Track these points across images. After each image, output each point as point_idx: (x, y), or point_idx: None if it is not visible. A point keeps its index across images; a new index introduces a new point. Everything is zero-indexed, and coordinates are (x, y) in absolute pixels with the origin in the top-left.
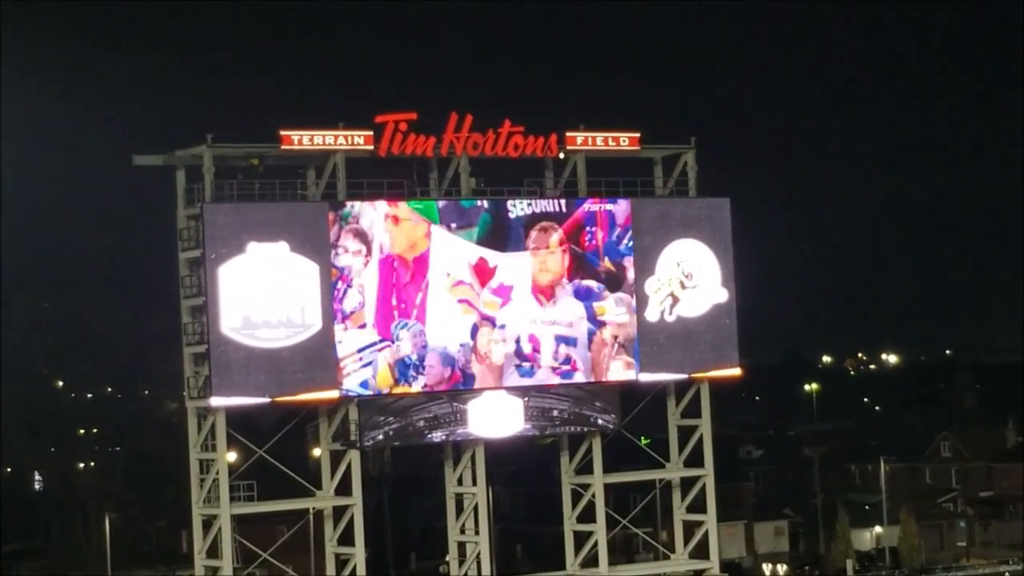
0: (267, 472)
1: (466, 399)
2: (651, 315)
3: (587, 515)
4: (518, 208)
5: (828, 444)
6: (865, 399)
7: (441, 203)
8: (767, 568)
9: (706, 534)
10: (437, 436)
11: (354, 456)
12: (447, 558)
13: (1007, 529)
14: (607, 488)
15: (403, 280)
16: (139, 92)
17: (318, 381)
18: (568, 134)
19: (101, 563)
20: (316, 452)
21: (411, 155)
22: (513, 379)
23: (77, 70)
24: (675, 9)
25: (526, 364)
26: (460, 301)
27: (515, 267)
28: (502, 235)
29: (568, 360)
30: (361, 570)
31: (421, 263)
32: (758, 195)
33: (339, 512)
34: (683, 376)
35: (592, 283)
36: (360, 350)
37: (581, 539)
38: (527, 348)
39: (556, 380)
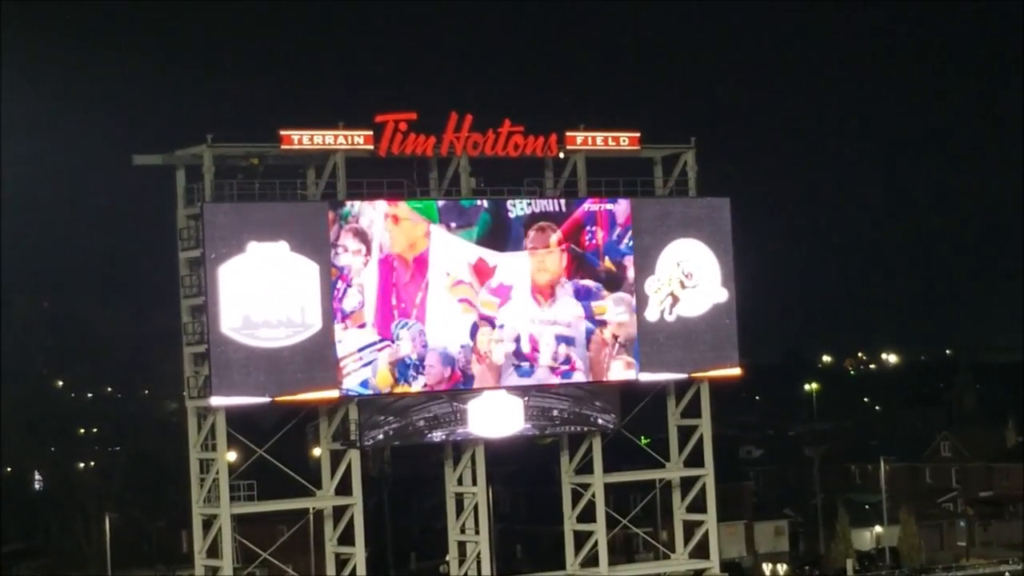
0: (267, 472)
1: (466, 399)
2: (651, 315)
3: (587, 515)
4: (518, 208)
5: (828, 444)
6: (865, 399)
7: (441, 203)
8: (767, 568)
9: (706, 534)
10: (437, 436)
11: (354, 456)
12: (447, 558)
13: (1007, 529)
14: (607, 488)
15: (403, 280)
16: (139, 92)
17: (318, 381)
18: (568, 134)
19: (101, 563)
20: (316, 452)
21: (411, 155)
22: (513, 379)
23: (77, 70)
24: (675, 9)
25: (526, 364)
26: (460, 301)
27: (514, 267)
28: (502, 235)
29: (568, 360)
30: (361, 570)
31: (421, 263)
32: (758, 195)
33: (339, 512)
34: (683, 376)
35: (592, 283)
36: (360, 350)
37: (581, 539)
38: (527, 348)
39: (556, 380)
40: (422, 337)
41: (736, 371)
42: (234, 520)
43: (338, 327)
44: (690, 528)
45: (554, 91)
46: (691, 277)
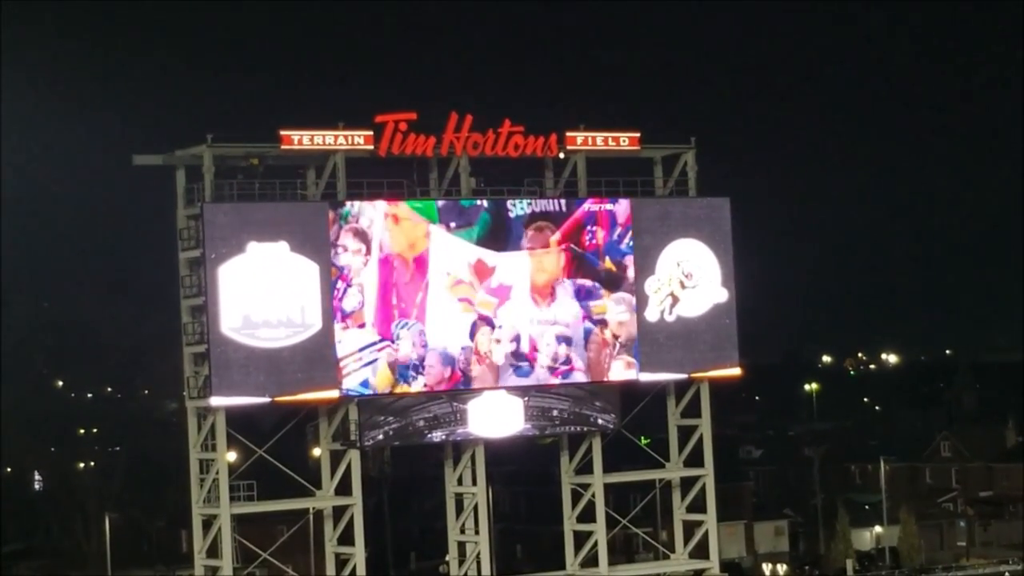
0: (267, 472)
1: (466, 399)
2: (651, 315)
3: (587, 515)
4: (518, 208)
5: (828, 444)
6: (865, 399)
7: (441, 203)
8: (767, 568)
9: (706, 534)
10: (437, 436)
11: (354, 456)
12: (447, 558)
13: (1007, 529)
14: (607, 488)
15: (403, 280)
16: (139, 92)
17: (318, 381)
18: (568, 134)
19: (101, 563)
20: (316, 452)
21: (411, 155)
22: (513, 379)
23: (77, 70)
24: (675, 9)
25: (526, 364)
26: (460, 300)
27: (514, 267)
28: (501, 235)
29: (568, 360)
30: (361, 570)
31: (421, 263)
32: (758, 195)
33: (339, 512)
34: (683, 376)
35: (592, 283)
36: (360, 350)
37: (581, 539)
38: (527, 348)
39: (556, 380)
40: (422, 337)
41: (736, 371)
42: (234, 520)
43: (338, 327)
44: (690, 528)
45: (554, 91)
46: (691, 277)
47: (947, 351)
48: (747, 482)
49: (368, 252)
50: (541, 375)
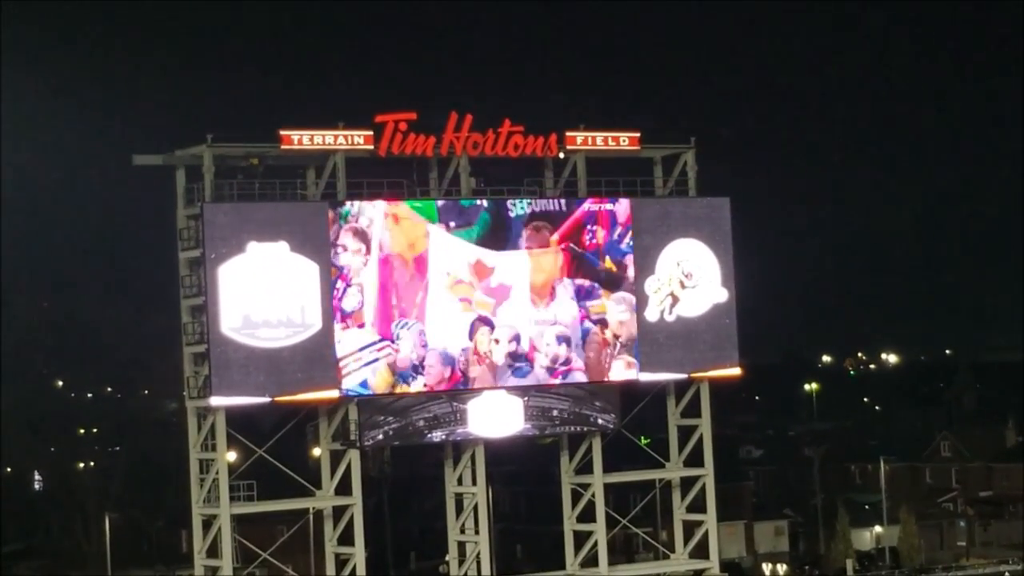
0: (267, 472)
1: (466, 399)
2: (651, 315)
3: (587, 515)
4: (518, 208)
5: (828, 444)
6: (865, 399)
7: (440, 202)
8: (767, 568)
9: (706, 534)
10: (437, 436)
11: (354, 456)
12: (447, 558)
13: (1007, 529)
14: (607, 488)
15: (403, 279)
16: (139, 92)
17: (318, 381)
18: (568, 134)
19: (101, 563)
20: (316, 452)
21: (411, 155)
22: (513, 379)
23: (77, 70)
24: (675, 9)
25: (526, 364)
26: (460, 300)
27: (514, 266)
28: (501, 234)
29: (568, 360)
30: (361, 570)
31: (421, 262)
32: (758, 195)
33: (339, 512)
34: (683, 376)
35: (592, 282)
36: (360, 349)
37: (581, 539)
38: (527, 348)
39: (556, 380)
40: (422, 337)
41: (736, 371)
42: (234, 520)
43: (338, 327)
44: (690, 528)
45: (554, 91)
46: (691, 277)
47: (947, 351)
48: (747, 482)
49: (368, 252)
50: (541, 375)
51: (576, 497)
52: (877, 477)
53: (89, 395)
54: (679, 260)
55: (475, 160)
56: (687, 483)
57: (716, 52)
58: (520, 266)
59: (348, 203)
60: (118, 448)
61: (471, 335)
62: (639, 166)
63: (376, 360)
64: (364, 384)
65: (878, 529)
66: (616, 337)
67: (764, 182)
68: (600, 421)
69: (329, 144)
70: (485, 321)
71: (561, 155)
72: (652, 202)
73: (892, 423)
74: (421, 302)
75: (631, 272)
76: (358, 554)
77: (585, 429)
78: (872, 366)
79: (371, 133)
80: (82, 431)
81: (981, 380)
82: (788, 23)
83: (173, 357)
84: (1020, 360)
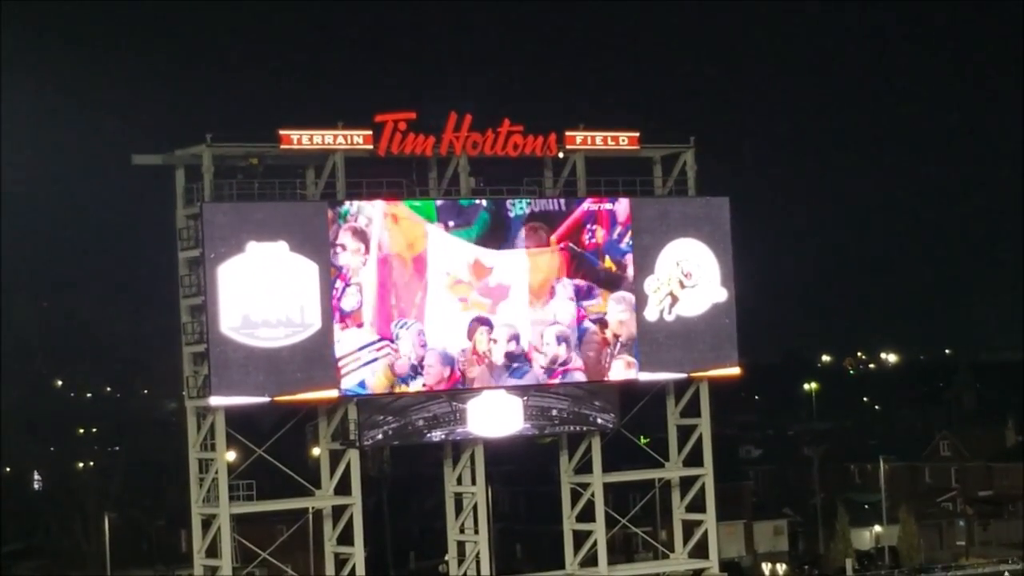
0: (266, 471)
1: (465, 398)
2: (650, 314)
3: (586, 514)
4: (517, 207)
5: (827, 443)
6: (864, 398)
7: (439, 202)
8: (766, 567)
9: (705, 533)
10: (436, 435)
11: (353, 455)
12: (446, 557)
13: (1006, 528)
14: (606, 487)
15: (402, 279)
16: (139, 92)
17: (317, 380)
18: (567, 133)
19: (100, 563)
20: (315, 451)
21: (410, 155)
22: (512, 378)
23: (77, 70)
24: (675, 9)
25: (525, 363)
26: (459, 300)
27: (513, 266)
28: (500, 234)
29: (567, 359)
30: (360, 570)
31: (420, 262)
32: (758, 195)
33: (338, 511)
34: (682, 375)
35: (591, 282)
36: (359, 349)
37: (580, 538)
38: (526, 347)
39: (555, 379)
40: (421, 337)
41: (735, 371)
42: (233, 520)
43: (337, 327)
44: (689, 528)
45: (554, 91)
46: (690, 277)
47: (947, 351)
48: (746, 481)
49: (367, 252)
50: (540, 375)
51: (576, 497)
52: (877, 477)
53: (89, 395)
54: (678, 260)
55: (474, 160)
56: (686, 483)
57: (716, 52)
58: (519, 266)
59: (347, 203)
60: (118, 448)
61: (470, 335)
62: (638, 166)
63: (375, 360)
64: (363, 384)
65: (878, 529)
66: (616, 337)
67: (764, 182)
68: (599, 421)
69: (328, 144)
70: (484, 321)
71: (560, 155)
72: (651, 202)
73: (892, 423)
74: (420, 302)
75: (630, 272)
76: (357, 554)
77: (584, 429)
78: (872, 366)
79: (371, 133)
80: (81, 431)
81: (981, 380)
82: (788, 23)
83: (172, 357)
84: (1020, 360)
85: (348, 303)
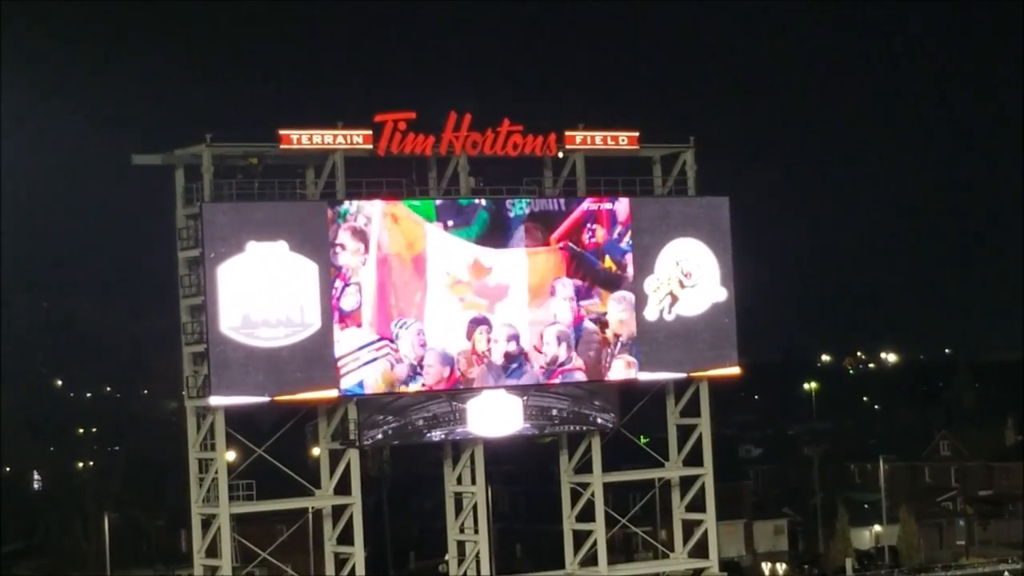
0: (266, 471)
1: (465, 398)
2: (650, 314)
3: (586, 514)
4: (517, 207)
5: (827, 443)
6: (864, 398)
7: (439, 202)
8: (766, 567)
9: (705, 533)
10: (436, 435)
11: (353, 455)
12: (446, 557)
13: (1006, 528)
14: (606, 487)
15: (402, 279)
16: (139, 92)
17: (317, 380)
18: (567, 133)
19: (100, 563)
20: (315, 451)
21: (410, 154)
22: (512, 378)
23: (77, 70)
24: (675, 9)
25: (525, 363)
26: (459, 300)
27: (513, 266)
28: (500, 234)
29: (567, 359)
30: (360, 569)
31: (419, 262)
32: (758, 195)
33: (338, 511)
34: (682, 375)
35: (591, 282)
36: (358, 349)
37: (580, 538)
38: (526, 347)
39: (555, 379)
40: (421, 337)
41: (735, 370)
42: (233, 520)
43: (337, 326)
44: (689, 527)
45: (554, 91)
46: (690, 276)
47: (946, 350)
48: (746, 481)
49: (366, 251)
50: (540, 374)
51: (575, 496)
52: (876, 476)
53: (88, 395)
54: (678, 259)
55: (474, 159)
56: (686, 482)
57: (716, 52)
58: (518, 265)
59: (347, 202)
60: (117, 448)
61: (468, 335)
62: (638, 165)
63: (375, 360)
64: (363, 384)
65: (877, 528)
66: (616, 336)
67: (764, 182)
68: (599, 420)
69: (328, 144)
70: (483, 321)
71: (560, 154)
72: (651, 201)
73: (891, 422)
74: (420, 302)
75: (630, 271)
76: (357, 553)
77: (584, 428)
78: (871, 365)
79: (370, 132)
80: (81, 431)
81: (980, 379)
82: (788, 23)
83: (172, 357)
84: (1020, 360)
85: (348, 303)
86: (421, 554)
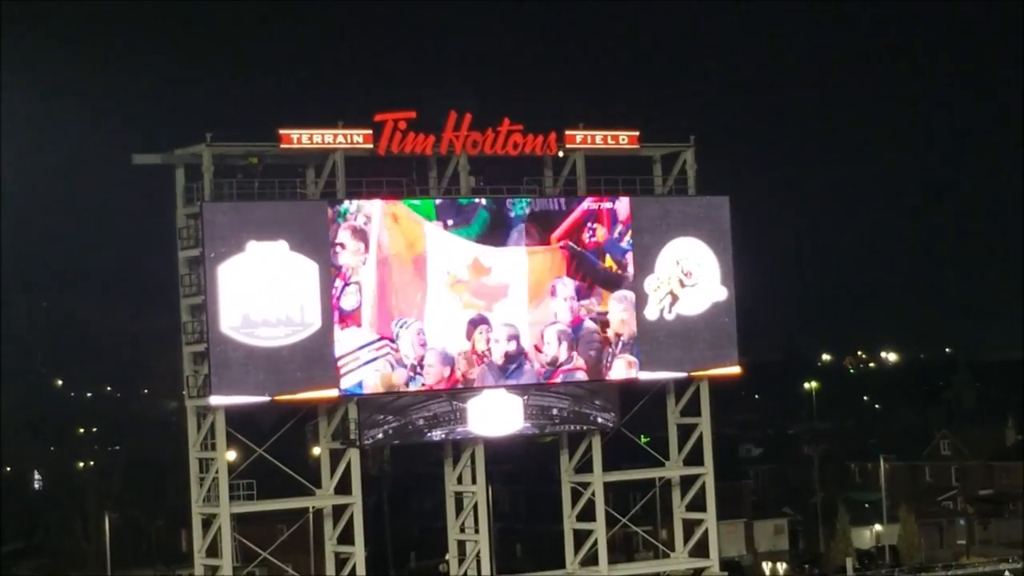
0: (267, 471)
1: (465, 397)
2: (650, 313)
3: (587, 514)
4: (517, 206)
5: (828, 442)
6: (865, 397)
7: (439, 201)
8: (767, 566)
9: (706, 532)
10: (437, 435)
11: (353, 455)
12: (447, 557)
13: (1006, 527)
14: (607, 486)
15: (402, 278)
16: (139, 92)
17: (317, 380)
18: (567, 132)
19: (101, 563)
20: (316, 451)
21: (410, 154)
22: (512, 377)
23: (77, 70)
24: (675, 9)
25: (525, 362)
26: (459, 299)
27: (513, 265)
28: (500, 233)
29: (568, 358)
30: (361, 569)
31: (420, 261)
32: (758, 194)
33: (339, 511)
34: (682, 374)
35: (592, 281)
36: (359, 348)
37: (581, 538)
38: (526, 346)
39: (556, 379)
40: (421, 336)
41: (735, 370)
42: (233, 519)
43: (337, 326)
44: (690, 527)
45: (554, 91)
46: (690, 276)
47: (946, 350)
48: (747, 480)
49: (366, 251)
50: (540, 374)
51: (576, 496)
52: (877, 475)
53: (88, 395)
54: (679, 259)
55: (474, 159)
56: (687, 482)
57: (716, 52)
58: (519, 265)
59: (347, 202)
60: (118, 448)
61: (468, 335)
62: (638, 165)
63: (375, 359)
64: (363, 383)
65: (878, 527)
66: (617, 336)
67: (764, 182)
68: (600, 420)
69: (328, 143)
70: (483, 320)
71: (560, 154)
72: (652, 201)
73: (892, 422)
74: (420, 301)
75: (631, 271)
76: (358, 553)
77: (585, 428)
78: (872, 365)
79: (370, 132)
80: (82, 431)
81: (981, 379)
82: (788, 23)
83: (173, 356)
84: (1020, 359)
85: (348, 302)
86: (421, 554)
